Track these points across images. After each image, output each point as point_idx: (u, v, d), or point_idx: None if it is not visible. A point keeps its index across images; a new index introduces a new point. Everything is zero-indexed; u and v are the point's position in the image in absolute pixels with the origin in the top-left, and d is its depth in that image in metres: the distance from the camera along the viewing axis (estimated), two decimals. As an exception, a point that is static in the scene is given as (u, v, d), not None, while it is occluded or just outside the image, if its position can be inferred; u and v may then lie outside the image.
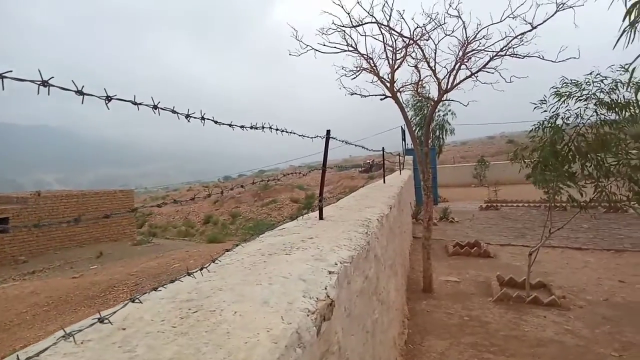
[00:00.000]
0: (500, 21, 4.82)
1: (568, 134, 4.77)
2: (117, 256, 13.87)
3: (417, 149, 6.09)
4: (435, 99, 5.70)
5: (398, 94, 5.77)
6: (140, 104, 0.96)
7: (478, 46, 5.10)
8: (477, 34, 5.04)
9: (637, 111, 4.20)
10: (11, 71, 0.65)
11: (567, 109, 4.75)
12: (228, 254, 1.75)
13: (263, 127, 1.69)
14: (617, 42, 3.47)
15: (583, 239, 8.37)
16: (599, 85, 4.49)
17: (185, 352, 0.84)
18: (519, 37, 4.82)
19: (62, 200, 16.64)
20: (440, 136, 17.47)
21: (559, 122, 4.80)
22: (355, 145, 3.90)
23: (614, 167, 4.43)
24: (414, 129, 8.10)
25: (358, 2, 5.08)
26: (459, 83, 5.33)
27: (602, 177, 4.53)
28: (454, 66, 5.28)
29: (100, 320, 0.88)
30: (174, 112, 1.08)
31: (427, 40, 5.27)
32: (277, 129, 1.78)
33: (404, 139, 15.18)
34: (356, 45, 5.48)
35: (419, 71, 5.76)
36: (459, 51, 5.22)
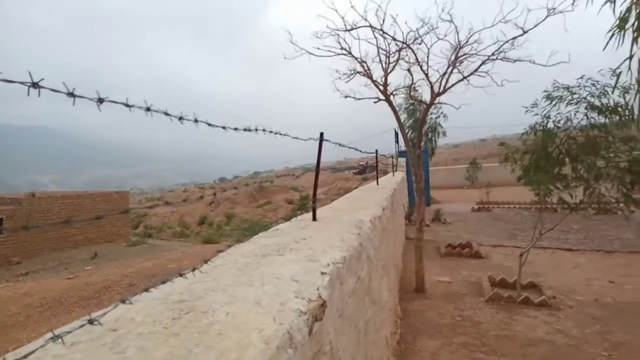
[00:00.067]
0: (492, 26, 4.88)
1: (559, 136, 4.83)
2: (112, 257, 13.76)
3: (410, 152, 6.13)
4: (428, 102, 5.74)
5: (391, 97, 5.80)
6: (132, 106, 0.97)
7: (470, 50, 5.17)
8: (469, 38, 5.10)
9: (625, 114, 4.26)
10: (0, 72, 0.65)
11: (558, 112, 4.81)
12: (221, 255, 1.75)
13: (257, 130, 1.70)
14: (606, 45, 3.51)
15: (573, 240, 8.46)
16: (589, 89, 4.56)
17: (176, 353, 0.85)
18: (510, 41, 4.88)
19: (56, 202, 16.49)
20: (433, 139, 17.58)
21: (550, 125, 4.87)
22: (349, 148, 3.91)
23: (603, 169, 4.49)
24: (406, 131, 8.14)
25: (352, 7, 5.11)
26: (451, 86, 5.38)
27: (592, 179, 4.59)
28: (447, 70, 5.33)
29: (90, 321, 0.88)
30: (166, 114, 1.08)
31: (420, 44, 5.32)
32: (270, 131, 1.79)
33: (397, 142, 15.24)
34: (350, 49, 5.52)
35: (411, 74, 5.80)
36: (452, 55, 5.27)
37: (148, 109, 1.01)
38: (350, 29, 5.32)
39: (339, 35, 5.40)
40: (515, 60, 4.98)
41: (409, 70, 5.76)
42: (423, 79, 5.60)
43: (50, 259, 14.35)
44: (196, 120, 1.21)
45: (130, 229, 20.66)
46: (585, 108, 4.62)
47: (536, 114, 4.94)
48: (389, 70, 5.62)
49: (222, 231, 25.64)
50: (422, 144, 7.16)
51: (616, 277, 5.95)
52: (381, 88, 5.68)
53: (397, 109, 6.00)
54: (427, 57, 5.36)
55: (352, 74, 5.76)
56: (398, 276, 5.75)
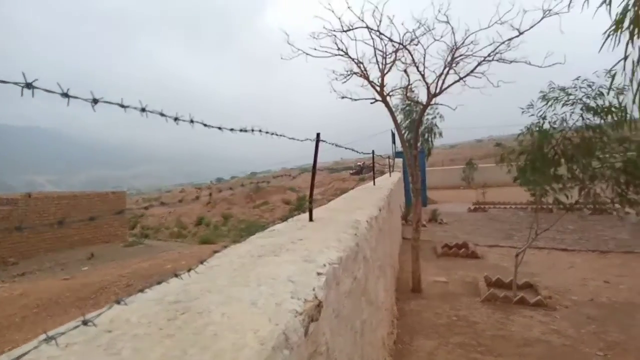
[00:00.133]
0: (488, 27, 4.90)
1: (555, 137, 4.86)
2: (109, 257, 13.70)
3: (407, 152, 6.14)
4: (424, 103, 5.76)
5: (388, 97, 5.81)
6: (127, 106, 0.97)
7: (466, 51, 5.18)
8: (465, 39, 5.12)
9: (620, 115, 4.28)
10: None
11: (554, 113, 4.84)
12: (217, 255, 1.75)
13: (253, 130, 1.70)
14: (602, 46, 3.53)
15: (569, 241, 8.50)
16: (585, 90, 4.58)
17: (171, 355, 0.85)
18: (506, 42, 4.90)
19: (53, 202, 16.38)
20: (429, 139, 17.61)
21: (546, 125, 4.89)
22: (346, 148, 3.92)
23: (598, 169, 4.52)
24: (403, 132, 8.16)
25: (349, 7, 5.12)
26: (447, 87, 5.40)
27: (587, 179, 4.62)
28: (443, 71, 5.35)
29: (85, 322, 0.88)
30: (162, 114, 1.08)
31: (417, 45, 5.33)
32: (266, 132, 1.79)
33: (393, 142, 15.26)
34: (347, 50, 5.52)
35: (408, 75, 5.82)
36: (448, 56, 5.29)
37: (143, 110, 1.01)
38: (347, 30, 5.33)
39: (335, 36, 5.41)
40: (511, 62, 5.00)
41: (405, 71, 5.77)
42: (419, 80, 5.63)
43: (46, 259, 14.26)
44: (192, 121, 1.21)
45: (127, 230, 20.57)
46: (581, 109, 4.65)
47: (532, 115, 4.97)
48: (385, 71, 5.63)
49: (219, 232, 25.61)
50: (419, 144, 7.19)
51: (611, 277, 5.98)
52: (378, 89, 5.69)
53: (393, 109, 6.01)
54: (424, 58, 5.38)
55: (348, 75, 5.76)
56: (395, 276, 5.75)
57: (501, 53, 4.97)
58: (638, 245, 7.78)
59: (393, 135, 14.94)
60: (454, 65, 5.27)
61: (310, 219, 2.70)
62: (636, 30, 2.81)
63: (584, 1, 3.19)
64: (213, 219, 30.42)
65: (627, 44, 2.93)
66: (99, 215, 1.14)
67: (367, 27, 5.28)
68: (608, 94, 4.36)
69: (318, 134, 2.60)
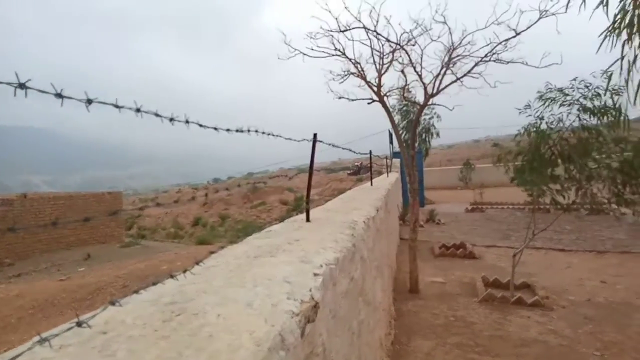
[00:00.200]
0: (485, 27, 4.91)
1: (552, 137, 4.87)
2: (105, 258, 13.65)
3: (404, 152, 6.14)
4: (422, 103, 5.76)
5: (385, 98, 5.82)
6: (122, 107, 0.96)
7: (463, 52, 5.19)
8: (462, 39, 5.13)
9: (616, 116, 4.30)
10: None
11: (551, 114, 4.85)
12: (214, 256, 1.74)
13: (249, 131, 1.69)
14: (599, 47, 3.55)
15: (566, 241, 8.52)
16: (582, 91, 4.60)
17: (166, 356, 0.84)
18: (503, 43, 4.90)
19: (48, 202, 16.32)
20: (427, 139, 17.65)
21: (543, 126, 4.91)
22: (343, 149, 3.92)
23: (594, 170, 4.54)
24: (400, 132, 8.16)
25: (346, 8, 5.12)
26: (444, 88, 5.40)
27: (584, 180, 4.63)
28: (440, 71, 5.36)
29: (79, 324, 0.87)
30: (157, 115, 1.08)
31: (414, 45, 5.33)
32: (263, 132, 1.78)
33: (391, 142, 15.28)
34: (344, 50, 5.52)
35: (405, 76, 5.83)
36: (445, 56, 5.30)
37: (138, 110, 1.00)
38: (344, 30, 5.33)
39: (332, 36, 5.41)
40: (508, 62, 5.01)
41: (402, 71, 5.78)
42: (416, 80, 5.63)
43: (42, 260, 14.21)
44: (187, 121, 1.20)
45: (123, 230, 20.50)
46: (578, 109, 4.66)
47: (529, 115, 4.98)
48: (382, 72, 5.64)
49: (216, 232, 25.55)
50: (416, 144, 7.19)
51: (608, 277, 6.00)
52: (375, 89, 5.69)
53: (390, 110, 6.01)
54: (421, 58, 5.39)
55: (346, 75, 5.77)
56: (392, 277, 5.75)
57: (498, 53, 4.99)
58: (635, 245, 7.81)
59: (390, 135, 14.96)
60: (451, 65, 5.28)
61: (307, 220, 2.69)
62: (634, 30, 2.83)
63: (581, 2, 3.20)
64: (210, 219, 30.36)
65: (623, 44, 2.94)
66: (94, 216, 1.14)
67: (364, 27, 5.29)
68: (605, 94, 4.38)
69: (315, 135, 2.60)
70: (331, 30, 5.34)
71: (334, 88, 5.84)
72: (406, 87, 6.00)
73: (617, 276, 6.04)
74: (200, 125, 1.32)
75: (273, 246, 1.89)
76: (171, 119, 1.13)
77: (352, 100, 5.87)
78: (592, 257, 7.32)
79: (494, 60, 5.03)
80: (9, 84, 0.70)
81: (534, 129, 4.93)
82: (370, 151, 6.42)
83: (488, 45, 4.99)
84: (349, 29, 5.33)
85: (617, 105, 4.22)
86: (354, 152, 4.88)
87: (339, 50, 5.50)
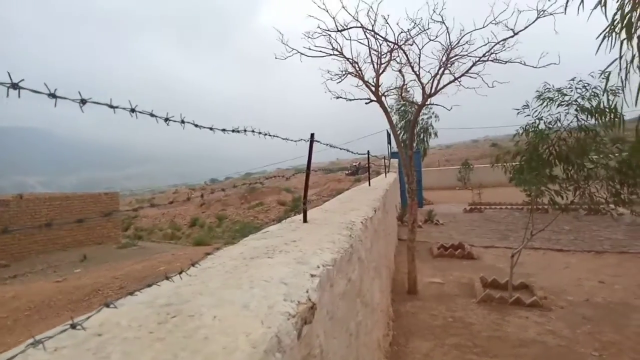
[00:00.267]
0: (483, 27, 4.90)
1: (550, 137, 4.88)
2: (102, 259, 13.60)
3: (402, 152, 6.14)
4: (420, 103, 5.76)
5: (383, 97, 5.81)
6: (116, 107, 0.95)
7: (461, 51, 5.19)
8: (460, 39, 5.13)
9: (613, 116, 4.31)
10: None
11: (549, 114, 4.85)
12: (210, 257, 1.73)
13: (245, 131, 1.68)
14: (598, 48, 3.54)
15: (564, 241, 8.53)
16: (580, 91, 4.60)
17: (161, 358, 0.83)
18: (501, 42, 4.90)
19: (44, 203, 16.25)
20: (425, 139, 17.69)
21: (542, 126, 4.91)
22: (340, 149, 3.91)
23: (591, 170, 4.54)
24: (398, 132, 8.17)
25: (343, 7, 5.11)
26: (442, 87, 5.40)
27: (582, 180, 4.64)
28: (438, 71, 5.35)
29: (73, 326, 0.86)
30: (152, 115, 1.07)
31: (412, 45, 5.33)
32: (259, 132, 1.78)
33: (389, 143, 15.30)
34: (342, 50, 5.51)
35: (403, 75, 5.83)
36: (443, 56, 5.29)
37: (133, 110, 0.99)
38: (342, 30, 5.32)
39: (330, 35, 5.40)
40: (506, 62, 5.02)
41: (400, 71, 5.78)
42: (414, 80, 5.63)
43: (38, 261, 14.14)
44: (183, 122, 1.19)
45: (120, 231, 20.44)
46: (576, 110, 4.67)
47: (528, 115, 4.98)
48: (380, 71, 5.63)
49: (213, 233, 25.51)
50: (414, 144, 7.20)
51: (606, 277, 6.01)
52: (373, 89, 5.68)
53: (388, 110, 6.01)
54: (419, 58, 5.39)
55: (343, 75, 5.76)
56: (390, 277, 5.75)
57: (496, 53, 4.99)
58: (633, 245, 7.82)
59: (389, 135, 14.98)
60: (449, 65, 5.28)
61: (305, 220, 2.68)
62: (632, 30, 2.83)
63: (579, 3, 3.20)
64: (207, 220, 30.31)
65: (621, 44, 2.94)
66: (88, 217, 1.12)
67: (362, 26, 5.28)
68: (603, 95, 4.38)
69: (312, 135, 2.59)
70: (329, 30, 5.34)
71: (331, 88, 5.84)
72: (404, 86, 6.00)
73: (615, 276, 6.05)
74: (196, 126, 1.31)
75: (270, 247, 1.89)
76: (166, 119, 1.12)
77: (350, 100, 5.87)
78: (590, 257, 7.33)
79: (492, 60, 5.04)
80: (1, 84, 0.69)
81: (533, 129, 4.93)
82: (368, 151, 6.42)
83: (486, 45, 5.00)
84: (347, 29, 5.32)
85: (612, 105, 4.22)
86: (352, 152, 4.87)
87: (337, 50, 5.50)
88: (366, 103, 5.85)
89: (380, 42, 5.46)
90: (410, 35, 5.25)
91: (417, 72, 5.46)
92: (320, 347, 1.34)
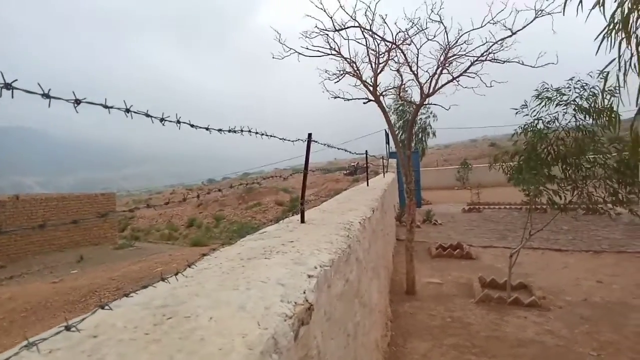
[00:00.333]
0: (481, 27, 4.90)
1: (549, 137, 4.87)
2: (99, 260, 13.54)
3: (400, 152, 6.13)
4: (418, 103, 5.76)
5: (381, 97, 5.81)
6: (111, 107, 0.94)
7: (459, 51, 5.19)
8: (458, 39, 5.13)
9: (611, 117, 4.30)
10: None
11: (548, 113, 4.85)
12: (207, 258, 1.73)
13: (242, 131, 1.67)
14: (598, 49, 3.53)
15: (563, 241, 8.54)
16: (579, 91, 4.60)
17: (156, 360, 0.82)
18: (499, 42, 4.91)
19: (41, 204, 16.17)
20: (423, 139, 17.71)
21: (540, 125, 4.90)
22: (338, 149, 3.90)
23: (589, 169, 4.55)
24: (397, 132, 8.17)
25: (341, 7, 5.10)
26: (440, 87, 5.40)
27: (580, 179, 4.64)
28: (436, 70, 5.35)
29: (67, 328, 0.86)
30: (147, 115, 1.06)
31: (410, 44, 5.33)
32: (256, 132, 1.77)
33: (387, 143, 15.30)
34: (339, 49, 5.50)
35: (401, 75, 5.83)
36: (441, 56, 5.29)
37: (128, 110, 0.98)
38: (340, 29, 5.32)
39: (327, 35, 5.39)
40: (505, 61, 5.02)
41: (398, 70, 5.78)
42: (412, 80, 5.63)
43: (34, 262, 14.08)
44: (178, 122, 1.18)
45: (116, 232, 20.37)
46: (574, 109, 4.67)
47: (526, 115, 4.98)
48: (378, 71, 5.63)
49: (210, 233, 25.47)
50: (413, 144, 7.20)
51: (604, 277, 6.01)
52: (371, 88, 5.68)
53: (386, 109, 6.01)
54: (417, 57, 5.39)
55: (341, 75, 5.75)
56: (388, 278, 5.74)
57: (494, 53, 4.99)
58: (631, 244, 7.84)
59: (387, 135, 14.98)
60: (447, 65, 5.28)
61: (302, 221, 2.68)
62: (631, 30, 2.83)
63: (578, 3, 3.20)
64: (205, 220, 30.27)
65: (620, 44, 2.94)
66: (83, 217, 1.12)
67: (360, 26, 5.27)
68: (601, 95, 4.38)
69: (309, 134, 2.58)
70: (326, 29, 5.33)
71: (329, 87, 5.83)
72: (402, 86, 6.00)
73: (613, 276, 6.06)
74: (192, 126, 1.30)
75: (267, 248, 1.88)
76: (162, 119, 1.11)
77: (348, 100, 5.86)
78: (589, 257, 7.34)
79: (490, 60, 5.04)
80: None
81: (531, 129, 4.93)
82: (366, 151, 6.41)
83: (484, 44, 5.00)
84: (344, 28, 5.31)
85: (609, 105, 4.22)
86: (350, 152, 4.87)
87: (334, 50, 5.49)
88: (364, 103, 5.85)
89: (378, 41, 5.46)
90: (408, 34, 5.25)
91: (415, 72, 5.46)
92: (318, 348, 1.33)
